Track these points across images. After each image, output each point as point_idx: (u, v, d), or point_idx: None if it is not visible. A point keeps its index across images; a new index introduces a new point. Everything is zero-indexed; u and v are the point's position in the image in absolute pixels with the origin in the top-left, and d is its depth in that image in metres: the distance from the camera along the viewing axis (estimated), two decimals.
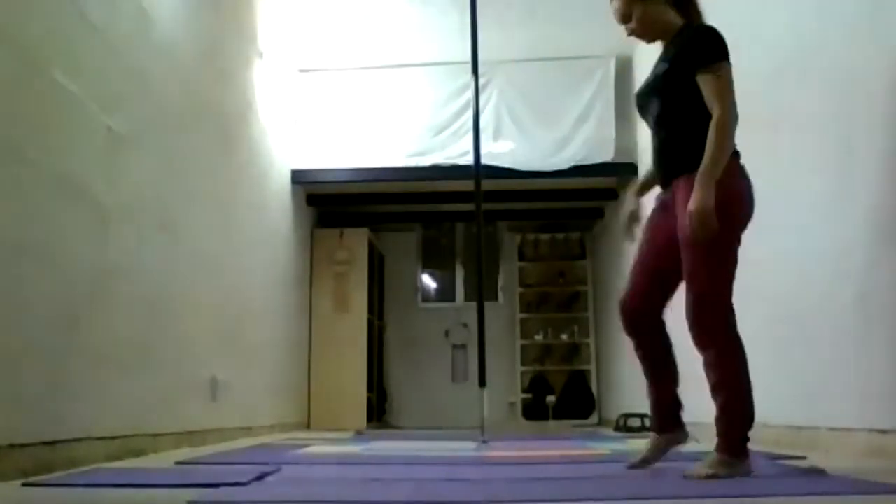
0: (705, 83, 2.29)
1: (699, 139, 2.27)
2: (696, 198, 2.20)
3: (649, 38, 2.53)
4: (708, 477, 2.17)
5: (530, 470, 2.65)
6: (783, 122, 3.56)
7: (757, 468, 2.28)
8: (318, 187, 7.09)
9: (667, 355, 2.49)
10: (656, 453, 2.48)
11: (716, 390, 2.26)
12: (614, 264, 7.15)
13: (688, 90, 2.33)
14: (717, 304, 2.28)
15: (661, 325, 2.50)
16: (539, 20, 6.03)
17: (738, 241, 2.31)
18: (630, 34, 2.54)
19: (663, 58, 2.46)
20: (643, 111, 2.57)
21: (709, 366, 2.28)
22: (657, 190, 2.58)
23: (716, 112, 2.26)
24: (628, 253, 2.83)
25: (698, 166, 2.25)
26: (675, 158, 2.40)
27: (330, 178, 6.79)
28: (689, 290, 2.32)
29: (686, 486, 2.07)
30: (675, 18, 2.46)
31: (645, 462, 2.48)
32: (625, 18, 2.50)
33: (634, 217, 2.68)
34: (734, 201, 2.26)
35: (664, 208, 2.46)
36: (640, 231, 2.62)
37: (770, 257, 3.60)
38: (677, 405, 2.49)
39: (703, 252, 2.26)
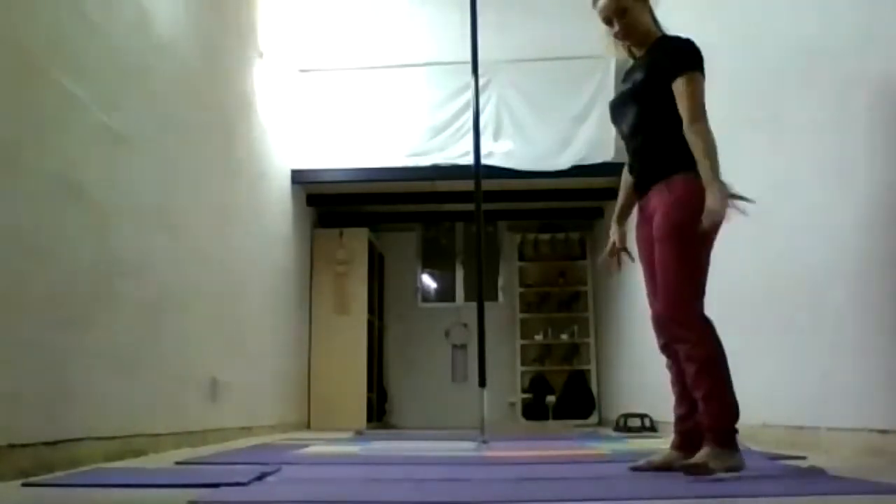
0: (679, 87, 2.36)
1: (674, 144, 2.37)
2: (710, 199, 2.21)
3: (632, 41, 2.57)
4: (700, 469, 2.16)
5: (530, 470, 2.65)
6: (783, 123, 3.56)
7: (757, 468, 2.28)
8: (318, 187, 7.09)
9: None
10: (665, 467, 2.44)
11: (696, 381, 2.28)
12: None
13: (665, 97, 2.40)
14: (690, 297, 2.32)
15: None
16: (539, 20, 6.03)
17: (711, 243, 2.35)
18: (615, 35, 2.56)
19: (640, 67, 2.52)
20: (617, 120, 2.63)
21: (688, 358, 2.31)
22: (635, 212, 2.64)
23: (687, 115, 2.32)
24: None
25: (673, 171, 2.36)
26: (652, 164, 2.47)
27: (330, 178, 6.79)
28: (663, 285, 2.36)
29: (686, 486, 2.07)
30: (653, 28, 2.55)
31: (650, 467, 2.47)
32: (618, 13, 2.51)
33: (616, 250, 2.75)
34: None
35: (645, 218, 2.52)
36: (628, 258, 2.74)
37: (769, 258, 3.60)
38: (699, 430, 2.41)
39: (678, 248, 2.32)
